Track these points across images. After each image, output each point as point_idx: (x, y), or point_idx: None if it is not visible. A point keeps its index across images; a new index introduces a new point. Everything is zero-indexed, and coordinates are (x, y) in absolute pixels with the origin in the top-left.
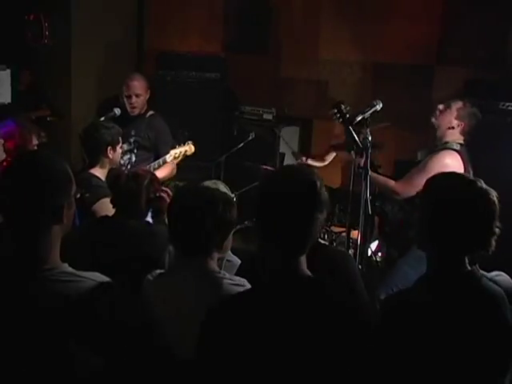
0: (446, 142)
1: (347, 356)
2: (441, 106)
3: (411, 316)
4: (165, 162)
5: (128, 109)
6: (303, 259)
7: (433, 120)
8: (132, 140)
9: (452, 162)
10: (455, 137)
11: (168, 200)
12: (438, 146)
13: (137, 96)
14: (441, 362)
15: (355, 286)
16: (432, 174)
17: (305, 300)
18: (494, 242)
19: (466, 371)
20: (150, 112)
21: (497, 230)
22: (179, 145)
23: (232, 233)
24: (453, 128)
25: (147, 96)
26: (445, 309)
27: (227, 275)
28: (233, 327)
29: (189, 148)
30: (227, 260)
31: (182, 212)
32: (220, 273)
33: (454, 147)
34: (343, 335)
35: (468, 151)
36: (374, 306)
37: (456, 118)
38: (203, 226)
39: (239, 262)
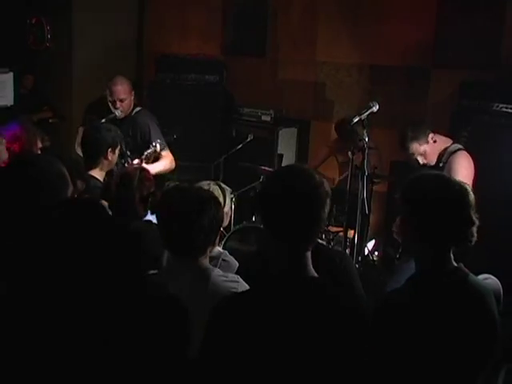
0: (447, 148)
1: (348, 356)
2: (419, 158)
3: (401, 316)
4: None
5: (115, 113)
6: (308, 255)
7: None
8: (123, 145)
9: (470, 161)
10: (446, 143)
11: None
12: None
13: (121, 100)
14: (433, 360)
15: (353, 285)
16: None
17: (308, 300)
18: (475, 233)
19: (457, 369)
20: (137, 109)
21: (477, 220)
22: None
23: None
24: (435, 141)
25: (132, 97)
26: (434, 306)
27: (220, 272)
28: (238, 326)
29: (155, 148)
30: (223, 260)
31: (177, 215)
32: (214, 270)
33: (459, 147)
34: (344, 335)
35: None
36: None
37: (424, 143)
38: (201, 228)
39: (236, 263)
